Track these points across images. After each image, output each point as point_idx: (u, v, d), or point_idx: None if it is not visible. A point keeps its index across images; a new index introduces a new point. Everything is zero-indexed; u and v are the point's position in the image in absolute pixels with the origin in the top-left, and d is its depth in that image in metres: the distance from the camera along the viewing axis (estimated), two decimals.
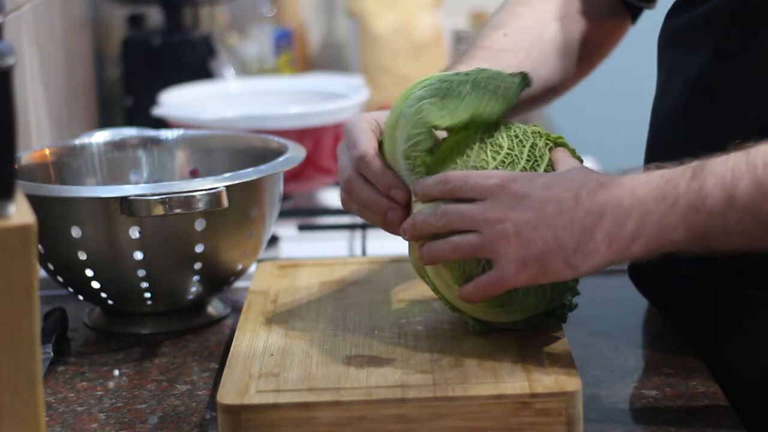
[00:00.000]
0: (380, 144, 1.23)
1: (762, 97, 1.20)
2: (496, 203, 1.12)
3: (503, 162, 1.17)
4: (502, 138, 1.19)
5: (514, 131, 1.20)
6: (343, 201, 1.25)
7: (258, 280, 1.37)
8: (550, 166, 1.18)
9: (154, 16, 2.50)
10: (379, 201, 1.20)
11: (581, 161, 1.20)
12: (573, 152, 1.21)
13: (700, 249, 1.09)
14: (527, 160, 1.18)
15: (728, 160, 1.07)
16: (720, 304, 1.26)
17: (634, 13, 1.46)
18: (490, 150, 1.18)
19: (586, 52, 1.45)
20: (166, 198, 1.29)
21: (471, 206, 1.14)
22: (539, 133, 1.22)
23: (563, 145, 1.22)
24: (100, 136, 1.55)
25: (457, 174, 1.15)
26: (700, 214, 1.07)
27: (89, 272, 1.36)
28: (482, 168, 1.17)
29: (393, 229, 1.21)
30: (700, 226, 1.07)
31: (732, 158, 1.07)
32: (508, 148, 1.18)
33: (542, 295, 1.18)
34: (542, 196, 1.11)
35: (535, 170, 1.17)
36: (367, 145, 1.21)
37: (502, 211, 1.12)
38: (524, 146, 1.19)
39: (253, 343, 1.22)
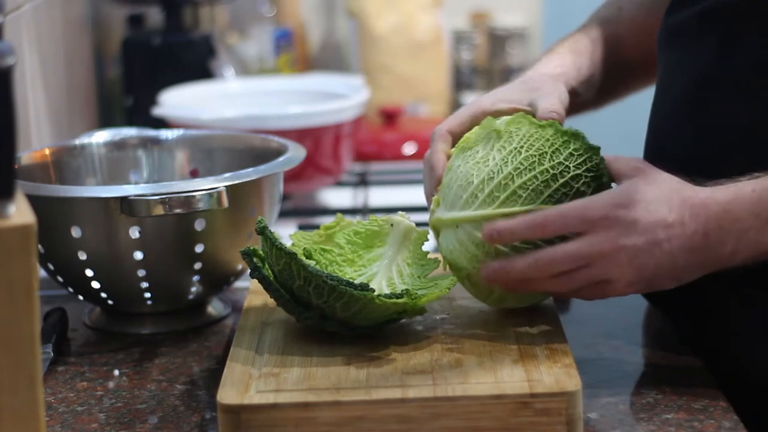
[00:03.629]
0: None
1: (762, 93, 1.20)
2: (605, 233, 1.13)
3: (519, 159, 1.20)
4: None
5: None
6: None
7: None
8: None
9: (154, 16, 2.50)
10: None
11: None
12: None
13: None
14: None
15: None
16: (719, 303, 1.26)
17: None
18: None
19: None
20: (166, 198, 1.30)
21: (577, 244, 1.14)
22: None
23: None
24: (100, 136, 1.55)
25: (552, 213, 1.15)
26: None
27: (89, 272, 1.36)
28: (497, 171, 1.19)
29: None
30: None
31: None
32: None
33: None
34: (650, 221, 1.12)
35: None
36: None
37: (614, 241, 1.13)
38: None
39: (253, 343, 1.22)
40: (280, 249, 1.20)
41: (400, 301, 1.19)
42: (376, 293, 1.18)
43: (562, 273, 1.16)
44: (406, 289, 1.20)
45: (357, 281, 1.22)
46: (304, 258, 1.23)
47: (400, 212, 1.32)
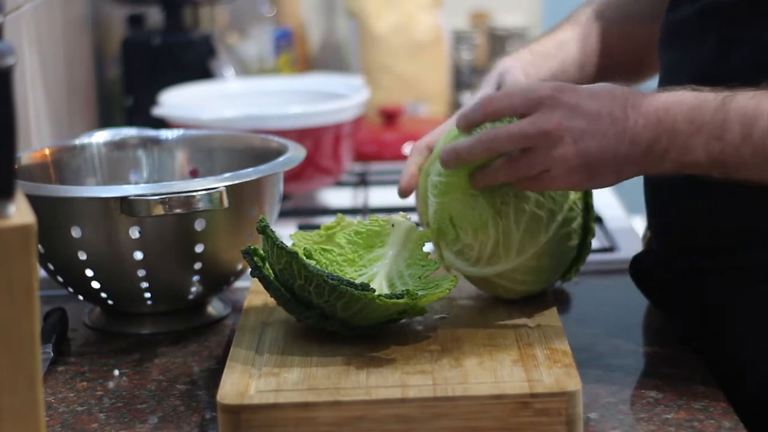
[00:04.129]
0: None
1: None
2: (548, 115, 1.14)
3: None
4: None
5: None
6: None
7: (258, 281, 1.37)
8: None
9: (154, 16, 2.50)
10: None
11: None
12: None
13: (719, 175, 1.13)
14: None
15: (754, 96, 1.12)
16: (729, 298, 1.26)
17: None
18: None
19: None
20: (166, 198, 1.30)
21: (521, 123, 1.15)
22: None
23: None
24: (100, 136, 1.55)
25: (499, 94, 1.17)
26: (719, 144, 1.11)
27: (89, 272, 1.36)
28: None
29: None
30: (718, 155, 1.12)
31: (757, 96, 1.11)
32: None
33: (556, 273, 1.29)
34: (593, 107, 1.13)
35: None
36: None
37: (557, 122, 1.14)
38: None
39: (253, 343, 1.22)
40: (281, 248, 1.20)
41: (400, 301, 1.19)
42: (376, 293, 1.18)
43: (508, 159, 1.17)
44: (407, 290, 1.20)
45: (358, 281, 1.22)
46: (304, 258, 1.23)
47: (401, 213, 1.32)
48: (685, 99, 1.14)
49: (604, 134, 1.13)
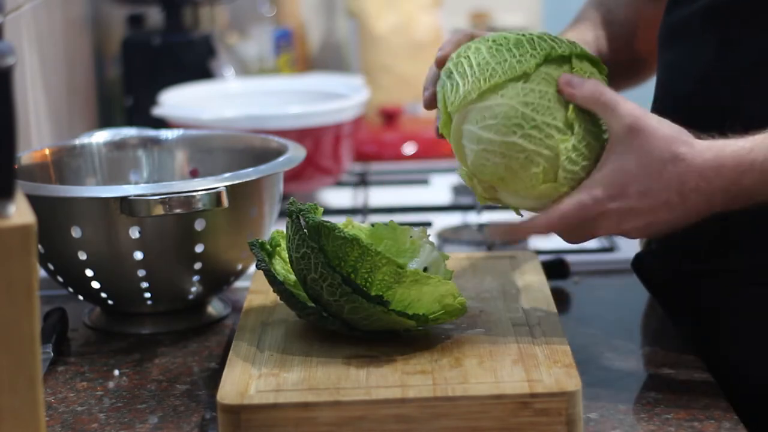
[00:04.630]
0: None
1: (763, 92, 1.20)
2: (606, 223, 1.15)
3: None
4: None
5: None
6: None
7: (258, 281, 1.37)
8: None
9: (154, 16, 2.50)
10: None
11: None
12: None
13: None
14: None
15: None
16: (723, 301, 1.26)
17: None
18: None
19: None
20: (166, 198, 1.30)
21: (585, 229, 1.16)
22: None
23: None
24: (100, 136, 1.55)
25: (552, 217, 1.16)
26: None
27: (89, 272, 1.36)
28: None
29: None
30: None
31: None
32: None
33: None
34: (647, 205, 1.13)
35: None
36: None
37: (616, 227, 1.15)
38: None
39: (253, 343, 1.22)
40: (343, 238, 1.17)
41: (409, 321, 1.19)
42: (388, 308, 1.18)
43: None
44: (422, 315, 1.19)
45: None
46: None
47: (422, 228, 1.30)
48: (753, 164, 1.12)
49: (664, 221, 1.14)
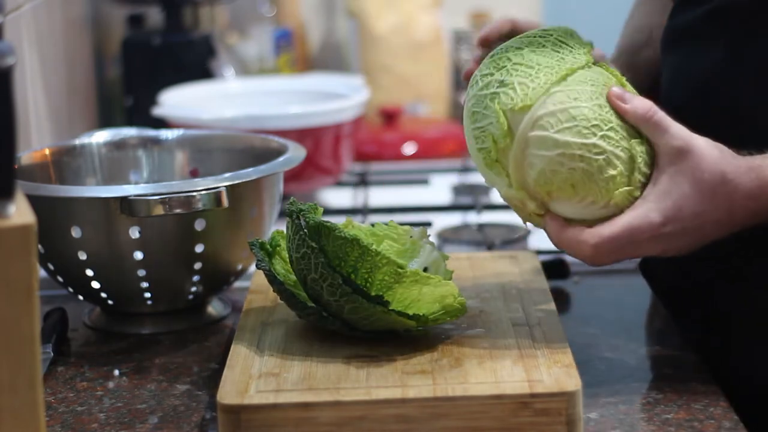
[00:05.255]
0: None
1: None
2: (656, 245, 1.15)
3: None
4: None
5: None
6: None
7: (258, 280, 1.37)
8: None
9: (154, 16, 2.50)
10: None
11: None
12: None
13: None
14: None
15: None
16: (730, 305, 1.26)
17: None
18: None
19: None
20: (166, 198, 1.30)
21: (634, 250, 1.15)
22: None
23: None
24: (100, 136, 1.55)
25: (604, 240, 1.15)
26: None
27: (89, 272, 1.36)
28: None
29: None
30: None
31: None
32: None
33: None
34: (698, 224, 1.14)
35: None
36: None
37: (666, 246, 1.15)
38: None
39: (253, 343, 1.22)
40: (343, 238, 1.17)
41: (410, 321, 1.19)
42: (389, 308, 1.18)
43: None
44: (422, 315, 1.19)
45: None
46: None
47: (422, 228, 1.29)
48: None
49: (710, 236, 1.16)
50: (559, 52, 1.18)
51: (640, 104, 1.15)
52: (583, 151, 1.13)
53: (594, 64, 1.19)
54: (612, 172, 1.14)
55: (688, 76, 1.27)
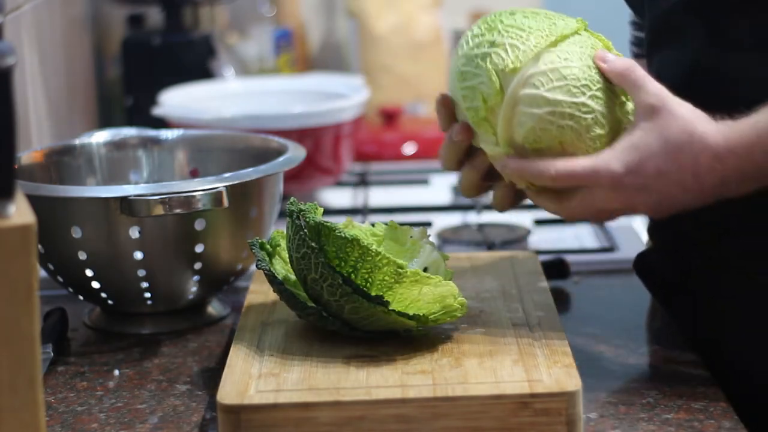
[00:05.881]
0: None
1: (753, 81, 1.19)
2: (615, 194, 1.15)
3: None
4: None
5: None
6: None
7: (258, 281, 1.37)
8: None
9: (154, 16, 2.50)
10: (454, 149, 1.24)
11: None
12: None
13: None
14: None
15: None
16: (724, 298, 1.25)
17: None
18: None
19: None
20: (166, 198, 1.30)
21: (592, 201, 1.16)
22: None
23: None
24: (100, 136, 1.55)
25: (562, 171, 1.16)
26: None
27: (89, 272, 1.36)
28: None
29: (449, 163, 1.25)
30: None
31: None
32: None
33: None
34: (661, 184, 1.14)
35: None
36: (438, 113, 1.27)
37: (626, 202, 1.16)
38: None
39: (253, 343, 1.22)
40: (344, 238, 1.17)
41: (410, 322, 1.19)
42: (389, 308, 1.17)
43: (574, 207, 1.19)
44: (422, 315, 1.19)
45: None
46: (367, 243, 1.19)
47: (422, 228, 1.30)
48: (754, 148, 1.13)
49: (677, 201, 1.15)
50: (551, 18, 1.20)
51: (620, 63, 1.18)
52: (572, 109, 1.16)
53: (585, 30, 1.22)
54: (599, 131, 1.17)
55: (670, 66, 1.27)
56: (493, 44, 1.19)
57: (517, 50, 1.17)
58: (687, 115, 1.15)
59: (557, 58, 1.17)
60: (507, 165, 1.19)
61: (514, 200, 1.25)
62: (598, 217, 1.21)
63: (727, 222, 1.23)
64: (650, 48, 1.32)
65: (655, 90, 1.16)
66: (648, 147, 1.15)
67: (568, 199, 1.18)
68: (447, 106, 1.24)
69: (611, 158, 1.15)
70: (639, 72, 1.18)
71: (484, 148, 1.20)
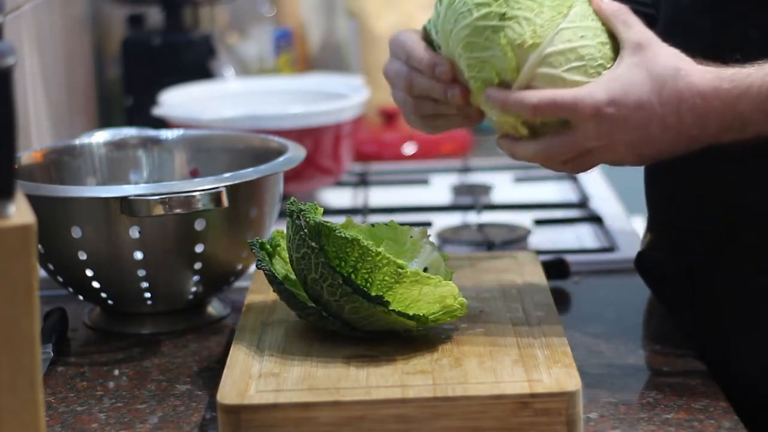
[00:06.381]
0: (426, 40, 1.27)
1: None
2: (597, 128, 1.15)
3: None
4: None
5: None
6: (405, 105, 1.36)
7: (258, 281, 1.37)
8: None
9: (154, 16, 2.50)
10: (435, 86, 1.25)
11: None
12: None
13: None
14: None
15: None
16: (724, 296, 1.26)
17: None
18: None
19: None
20: (166, 198, 1.30)
21: (573, 137, 1.16)
22: None
23: None
24: (100, 136, 1.55)
25: (544, 99, 1.16)
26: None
27: (89, 272, 1.36)
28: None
29: (460, 111, 1.25)
30: None
31: None
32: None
33: None
34: (642, 117, 1.14)
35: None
36: (414, 41, 1.33)
37: (607, 137, 1.15)
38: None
39: (253, 343, 1.22)
40: (344, 238, 1.17)
41: (410, 322, 1.19)
42: (389, 308, 1.17)
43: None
44: (422, 315, 1.19)
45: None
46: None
47: (422, 228, 1.29)
48: (751, 91, 1.12)
49: (656, 140, 1.14)
50: None
51: (614, 4, 1.19)
52: None
53: None
54: None
55: None
56: (503, 17, 1.17)
57: (533, 24, 1.16)
58: (672, 52, 1.15)
59: (574, 35, 1.17)
60: (490, 95, 1.18)
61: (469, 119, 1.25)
62: (577, 163, 1.19)
63: (728, 219, 1.23)
64: (664, 35, 1.32)
65: (643, 29, 1.17)
66: (631, 79, 1.14)
67: (548, 138, 1.17)
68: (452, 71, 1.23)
69: (594, 88, 1.15)
70: (631, 15, 1.18)
71: (487, 114, 1.20)
